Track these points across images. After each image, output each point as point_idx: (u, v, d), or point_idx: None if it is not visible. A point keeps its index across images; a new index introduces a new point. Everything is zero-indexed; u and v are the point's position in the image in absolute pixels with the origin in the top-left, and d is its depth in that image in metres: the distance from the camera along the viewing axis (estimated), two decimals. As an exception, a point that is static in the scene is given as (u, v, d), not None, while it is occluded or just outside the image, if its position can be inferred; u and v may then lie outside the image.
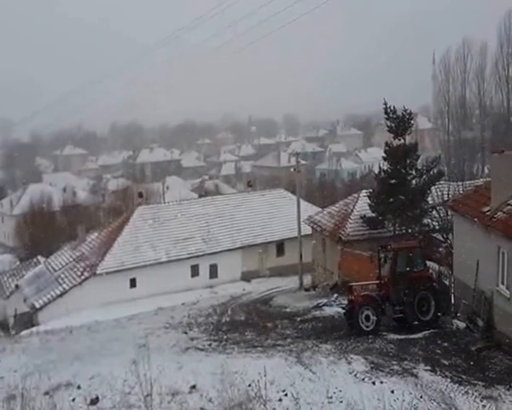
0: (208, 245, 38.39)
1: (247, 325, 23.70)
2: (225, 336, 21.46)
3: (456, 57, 60.30)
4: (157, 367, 13.34)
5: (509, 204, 17.87)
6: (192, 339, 21.50)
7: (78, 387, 15.26)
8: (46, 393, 14.70)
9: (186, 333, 22.82)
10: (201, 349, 19.63)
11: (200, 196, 50.50)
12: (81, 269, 35.06)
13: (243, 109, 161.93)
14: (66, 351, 20.57)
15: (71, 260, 37.03)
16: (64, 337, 24.34)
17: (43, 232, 51.67)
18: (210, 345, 20.27)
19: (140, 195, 46.40)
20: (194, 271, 37.21)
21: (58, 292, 33.45)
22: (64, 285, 33.95)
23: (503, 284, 17.46)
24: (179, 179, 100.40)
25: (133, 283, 35.02)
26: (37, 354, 20.16)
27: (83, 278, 34.16)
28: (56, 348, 21.68)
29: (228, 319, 25.46)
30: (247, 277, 38.69)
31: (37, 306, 32.77)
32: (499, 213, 17.87)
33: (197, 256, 37.42)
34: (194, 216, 40.12)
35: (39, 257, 42.24)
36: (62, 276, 35.19)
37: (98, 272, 34.30)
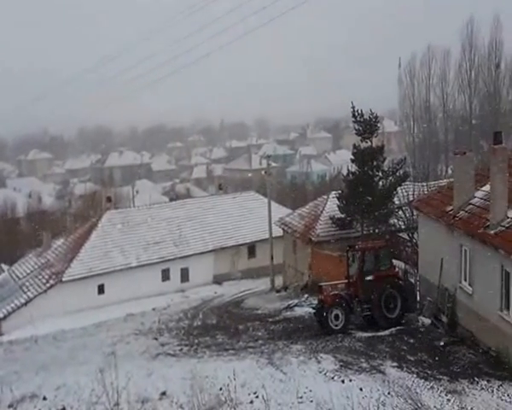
0: (179, 249, 38.27)
1: (219, 328, 23.79)
2: (196, 341, 21.52)
3: (421, 62, 61.84)
4: (126, 375, 13.28)
5: (470, 203, 18.50)
6: (162, 345, 21.46)
7: (44, 398, 15.06)
8: (10, 406, 14.49)
9: (156, 339, 22.75)
10: (172, 355, 19.64)
11: (171, 200, 50.26)
12: (46, 276, 34.40)
13: (214, 112, 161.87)
14: (31, 361, 20.27)
15: (36, 267, 36.28)
16: (29, 347, 23.95)
17: (7, 239, 50.57)
18: (181, 350, 20.29)
19: (108, 199, 45.79)
20: (165, 275, 37.00)
21: (22, 301, 32.68)
22: (28, 293, 33.23)
23: (465, 280, 18.04)
24: (149, 183, 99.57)
25: (101, 289, 34.55)
26: (0, 366, 19.79)
27: (48, 285, 33.47)
28: (21, 358, 21.35)
29: (199, 323, 25.48)
30: (218, 279, 38.73)
31: (1, 315, 31.98)
32: (461, 213, 18.48)
33: (168, 260, 37.21)
34: (164, 220, 39.91)
35: (3, 265, 41.38)
36: (27, 284, 34.45)
37: (64, 279, 33.67)
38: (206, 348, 20.12)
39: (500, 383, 14.43)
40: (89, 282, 34.16)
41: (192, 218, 40.80)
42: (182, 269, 37.68)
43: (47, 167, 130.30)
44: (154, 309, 30.93)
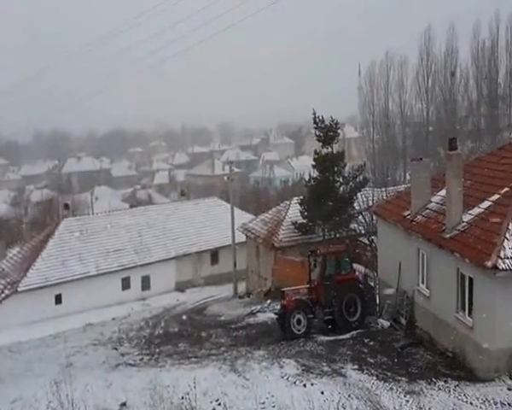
0: (140, 256, 37.79)
1: (181, 336, 23.59)
2: (158, 350, 21.26)
3: (380, 69, 63.19)
4: (84, 387, 13.00)
5: (427, 208, 18.99)
6: (123, 355, 21.12)
7: (0, 412, 14.64)
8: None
9: (116, 349, 22.37)
10: (132, 365, 19.35)
11: (132, 206, 49.49)
12: (1, 286, 33.34)
13: (176, 117, 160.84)
14: (-14, 374, 19.58)
15: (-11, 277, 35.19)
16: (-17, 360, 23.13)
17: (-41, 249, 48.55)
18: (141, 359, 20.02)
19: (66, 206, 44.87)
20: (126, 283, 36.45)
21: (-24, 312, 31.62)
22: (-17, 304, 32.16)
23: (423, 283, 18.48)
24: (109, 189, 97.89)
25: (59, 299, 33.76)
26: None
27: (3, 296, 32.46)
28: (-25, 371, 20.58)
29: (161, 332, 25.19)
30: (181, 287, 38.42)
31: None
32: (418, 217, 18.94)
33: (128, 268, 36.72)
34: (124, 227, 39.38)
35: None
36: (-19, 295, 33.36)
37: (20, 289, 32.72)
38: (168, 356, 19.90)
39: (457, 383, 14.82)
40: (46, 292, 33.30)
41: (153, 224, 40.39)
42: (143, 277, 37.21)
43: (1, 173, 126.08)
44: (113, 319, 30.39)
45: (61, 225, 38.18)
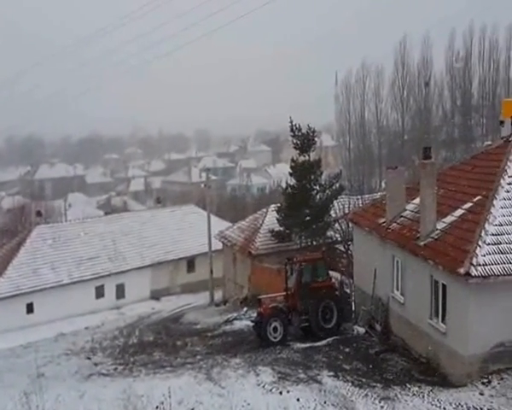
0: (115, 264, 37.36)
1: (156, 345, 23.35)
2: (132, 359, 21.00)
3: (356, 79, 64.12)
4: (56, 397, 12.72)
5: (402, 216, 19.23)
6: (96, 364, 20.81)
7: (-33, 424, 14.23)
8: None
9: (89, 359, 22.04)
10: (106, 374, 19.07)
11: (106, 214, 48.99)
12: (-29, 295, 32.61)
13: (153, 123, 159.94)
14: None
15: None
16: (-50, 371, 22.44)
17: None
18: (115, 369, 19.74)
19: (38, 213, 44.16)
20: (100, 292, 35.98)
21: None
22: (-48, 313, 31.35)
23: (397, 290, 18.68)
24: (83, 196, 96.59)
25: (30, 308, 33.13)
26: None
27: (-27, 304, 31.77)
28: None
29: (135, 341, 24.90)
30: (156, 295, 38.08)
31: None
32: (393, 225, 19.17)
33: (102, 276, 36.29)
34: (99, 234, 38.94)
35: None
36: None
37: (-11, 298, 32.05)
38: (142, 366, 19.66)
39: (430, 388, 14.97)
40: (17, 300, 32.66)
41: (128, 232, 40.02)
42: (117, 285, 36.78)
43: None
44: (87, 328, 29.94)
45: (34, 232, 37.61)
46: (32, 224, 41.29)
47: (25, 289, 33.42)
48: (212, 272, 35.01)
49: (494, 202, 15.87)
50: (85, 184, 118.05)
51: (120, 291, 36.85)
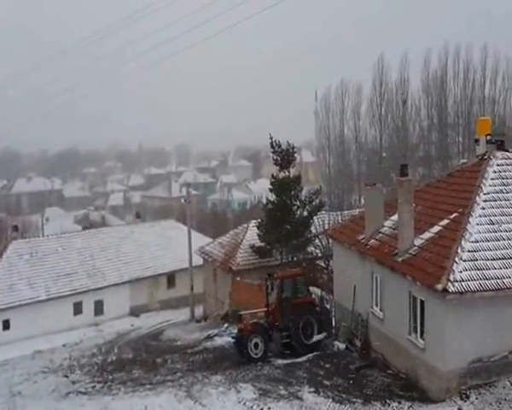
0: (93, 280, 36.96)
1: (135, 362, 23.12)
2: (111, 377, 20.76)
3: (335, 96, 65.05)
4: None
5: (380, 232, 19.51)
6: (73, 382, 20.54)
7: None
8: None
9: (67, 377, 21.74)
10: (84, 393, 18.85)
11: (84, 229, 48.52)
12: None
13: (132, 138, 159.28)
14: None
15: None
16: None
17: None
18: (93, 387, 19.50)
19: (15, 228, 43.50)
20: (77, 308, 35.53)
21: None
22: None
23: (377, 306, 18.87)
24: (61, 211, 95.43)
25: (6, 324, 32.57)
26: None
27: None
28: None
29: (114, 358, 24.62)
30: (135, 311, 37.70)
31: None
32: (372, 241, 19.43)
33: (80, 293, 35.87)
34: (76, 250, 38.57)
35: None
36: None
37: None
38: (121, 384, 19.44)
39: (410, 404, 15.12)
40: (-8, 317, 32.03)
41: (107, 247, 39.71)
42: (95, 302, 36.35)
43: None
44: (64, 345, 29.48)
45: (10, 247, 37.07)
46: (9, 239, 40.70)
47: (1, 305, 32.86)
48: (192, 287, 34.84)
49: (470, 219, 16.23)
50: (63, 198, 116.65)
51: (99, 308, 36.40)
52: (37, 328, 31.87)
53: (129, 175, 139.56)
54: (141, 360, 23.58)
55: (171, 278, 39.83)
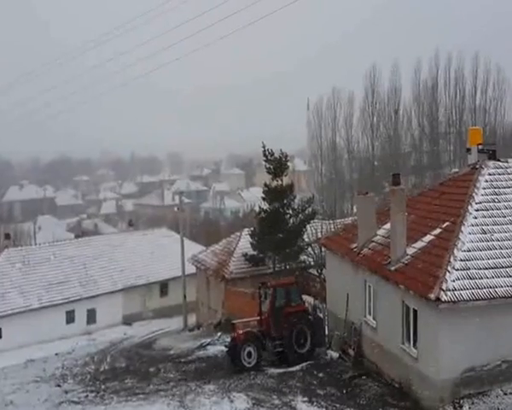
0: (85, 289, 36.78)
1: (128, 371, 23.01)
2: (103, 386, 20.64)
3: (327, 105, 65.36)
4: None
5: (373, 241, 19.58)
6: (66, 392, 20.42)
7: None
8: None
9: (60, 386, 21.60)
10: (77, 402, 18.74)
11: (77, 237, 48.39)
12: None
13: (125, 146, 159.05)
14: None
15: None
16: None
17: None
18: (86, 397, 19.39)
19: (7, 236, 43.29)
20: (70, 317, 35.33)
21: None
22: None
23: (370, 314, 18.91)
24: (53, 219, 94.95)
25: (-2, 333, 32.28)
26: None
27: None
28: None
29: (107, 367, 24.50)
30: (128, 320, 37.52)
31: None
32: (365, 250, 19.49)
33: (73, 301, 35.66)
34: (69, 258, 38.40)
35: None
36: None
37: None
38: (114, 393, 19.32)
39: (403, 413, 15.16)
40: (-16, 326, 31.76)
41: (99, 256, 39.56)
42: (88, 310, 36.16)
43: None
44: (57, 354, 29.27)
45: (2, 255, 36.83)
46: (1, 247, 40.40)
47: (-8, 314, 32.57)
48: (185, 296, 34.74)
49: (462, 228, 16.33)
50: (55, 206, 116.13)
51: (91, 316, 36.21)
52: (30, 337, 31.64)
53: (121, 183, 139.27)
54: (134, 369, 23.46)
55: (163, 287, 39.71)
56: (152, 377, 21.09)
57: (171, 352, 26.65)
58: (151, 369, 22.57)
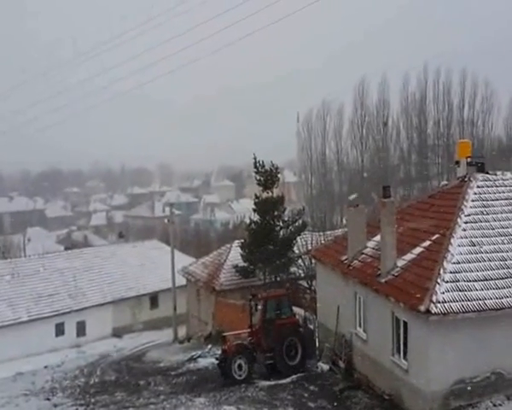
0: (75, 301, 36.51)
1: (118, 384, 22.85)
2: (93, 400, 20.49)
3: (317, 117, 65.83)
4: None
5: (363, 253, 19.68)
6: (55, 405, 20.26)
7: None
8: None
9: (49, 399, 21.43)
10: (66, 416, 18.52)
11: (67, 249, 48.17)
12: None
13: (115, 157, 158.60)
14: None
15: None
16: None
17: None
18: (76, 410, 19.20)
19: (-4, 248, 42.98)
20: (59, 329, 34.99)
21: None
22: None
23: (360, 327, 18.96)
24: (43, 231, 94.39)
25: (-13, 346, 31.83)
26: None
27: None
28: None
29: (96, 380, 24.32)
30: (118, 332, 37.23)
31: None
32: (355, 262, 19.58)
33: (62, 313, 35.34)
34: (58, 270, 38.17)
35: None
36: None
37: None
38: (104, 407, 19.19)
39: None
40: (-28, 339, 31.33)
41: (89, 268, 39.38)
42: (78, 323, 35.85)
43: None
44: (46, 367, 29.02)
45: (-9, 268, 36.49)
46: (-10, 259, 40.16)
47: (-19, 327, 32.20)
48: (175, 308, 34.58)
49: (452, 240, 16.47)
50: (45, 218, 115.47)
51: (81, 329, 35.92)
52: (19, 350, 31.25)
53: (112, 195, 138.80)
54: (123, 382, 23.31)
55: (154, 299, 39.53)
56: (142, 391, 20.97)
57: (162, 364, 26.51)
58: (141, 382, 22.44)
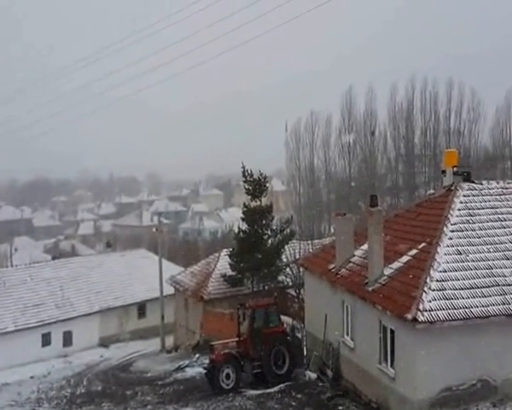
0: (62, 311, 36.25)
1: (105, 395, 22.67)
2: (80, 410, 20.26)
3: (305, 127, 66.13)
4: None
5: (351, 261, 19.77)
6: (42, 416, 19.96)
7: None
8: None
9: (34, 410, 21.13)
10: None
11: (54, 258, 47.84)
12: None
13: (103, 166, 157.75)
14: None
15: None
16: None
17: None
18: (62, 421, 18.99)
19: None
20: (46, 339, 34.69)
21: None
22: None
23: (347, 335, 19.00)
24: (30, 240, 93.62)
25: (-28, 357, 31.43)
26: None
27: None
28: None
29: (83, 391, 24.11)
30: (105, 342, 36.95)
31: None
32: (343, 270, 19.65)
33: (49, 323, 35.08)
34: (45, 280, 37.96)
35: None
36: None
37: None
38: (90, 417, 18.99)
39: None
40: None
41: (76, 277, 39.17)
42: (64, 332, 35.58)
43: None
44: (32, 377, 28.74)
45: (-23, 277, 36.13)
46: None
47: (-34, 337, 31.82)
48: (163, 317, 34.39)
49: (438, 248, 16.60)
50: (32, 227, 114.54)
51: (68, 339, 35.64)
52: (4, 360, 30.92)
53: (100, 204, 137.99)
54: (110, 392, 23.13)
55: (141, 308, 39.31)
56: (129, 401, 20.80)
57: (149, 374, 26.34)
58: (128, 392, 22.26)
